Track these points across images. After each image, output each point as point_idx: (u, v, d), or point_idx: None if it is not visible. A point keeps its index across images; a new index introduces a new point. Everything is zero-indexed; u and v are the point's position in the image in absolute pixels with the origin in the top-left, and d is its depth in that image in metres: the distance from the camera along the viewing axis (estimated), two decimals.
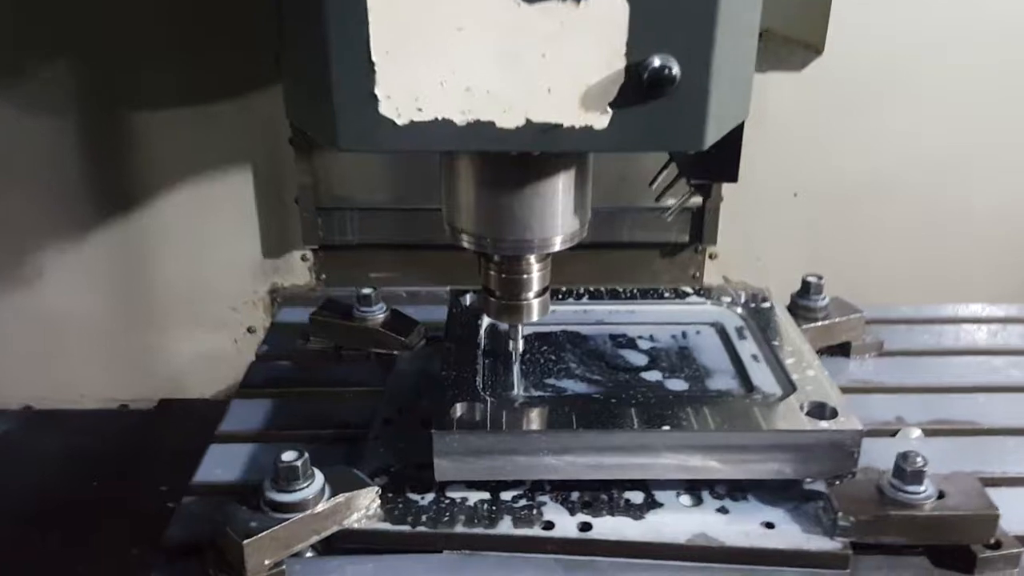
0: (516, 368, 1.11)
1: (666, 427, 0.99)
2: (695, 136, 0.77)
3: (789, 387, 1.07)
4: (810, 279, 1.34)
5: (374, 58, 0.73)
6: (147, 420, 1.73)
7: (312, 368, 1.32)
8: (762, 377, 1.12)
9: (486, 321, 1.25)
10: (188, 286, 1.84)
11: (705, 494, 1.01)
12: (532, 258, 1.00)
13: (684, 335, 1.25)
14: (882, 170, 1.76)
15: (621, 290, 1.33)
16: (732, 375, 1.14)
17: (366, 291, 1.31)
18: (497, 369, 1.13)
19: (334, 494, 0.97)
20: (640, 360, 1.18)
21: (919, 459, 0.94)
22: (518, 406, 1.05)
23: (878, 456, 1.02)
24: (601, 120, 0.76)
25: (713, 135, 0.79)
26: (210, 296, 1.84)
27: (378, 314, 1.31)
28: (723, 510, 0.99)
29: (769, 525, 0.96)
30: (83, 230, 1.79)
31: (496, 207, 0.93)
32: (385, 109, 0.75)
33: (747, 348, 1.19)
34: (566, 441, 0.98)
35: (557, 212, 0.94)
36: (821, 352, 1.28)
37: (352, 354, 1.35)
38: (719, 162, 0.83)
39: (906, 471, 0.94)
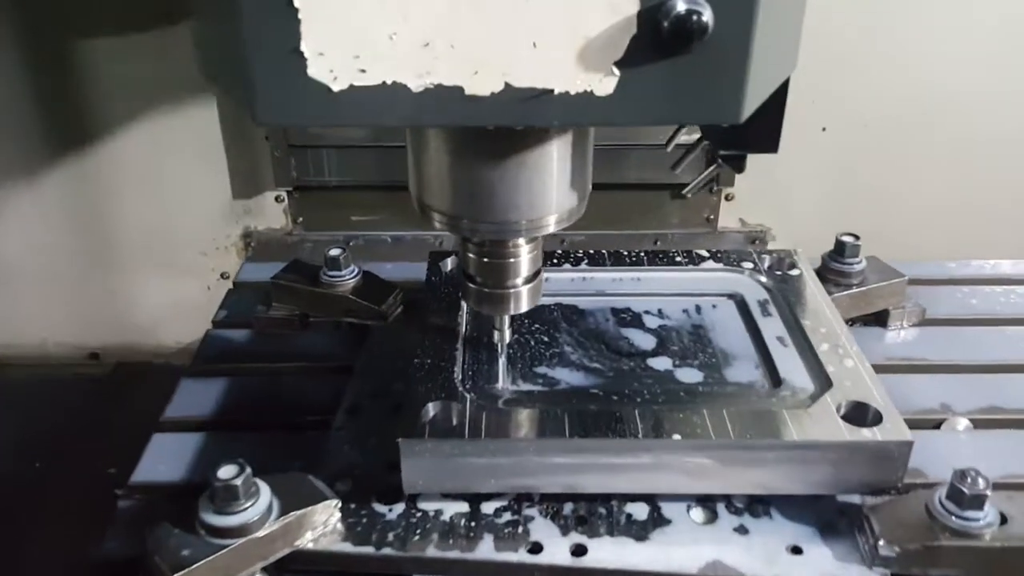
0: (502, 360, 0.95)
1: (676, 436, 0.83)
2: (730, 104, 0.59)
3: (823, 381, 0.91)
4: (845, 239, 1.16)
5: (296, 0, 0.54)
6: (103, 382, 1.58)
7: (274, 339, 1.17)
8: (791, 367, 0.95)
9: None
10: (151, 228, 1.69)
11: (721, 508, 0.87)
12: (520, 239, 0.83)
13: (698, 310, 1.08)
14: (924, 97, 1.55)
15: (626, 254, 1.16)
16: (755, 363, 0.98)
17: (334, 252, 1.14)
18: (480, 356, 0.97)
19: (284, 512, 0.83)
20: (647, 342, 1.02)
21: (980, 481, 0.79)
22: (503, 405, 0.90)
23: (919, 454, 0.86)
24: (605, 84, 0.58)
25: (754, 101, 0.60)
26: (177, 239, 1.69)
27: (348, 279, 1.15)
28: (742, 529, 0.84)
29: (796, 550, 0.82)
30: (35, 167, 1.63)
31: (474, 182, 0.76)
32: (316, 70, 0.56)
33: (772, 328, 1.02)
34: (558, 452, 0.83)
35: (550, 187, 0.77)
36: (854, 321, 1.15)
37: (321, 322, 1.18)
38: (755, 128, 0.65)
39: (964, 494, 0.79)
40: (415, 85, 0.58)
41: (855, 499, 0.85)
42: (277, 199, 1.66)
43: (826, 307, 1.04)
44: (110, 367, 1.66)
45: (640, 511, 0.86)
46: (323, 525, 0.85)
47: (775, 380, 0.94)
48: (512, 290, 0.87)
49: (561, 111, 0.59)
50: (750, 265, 1.14)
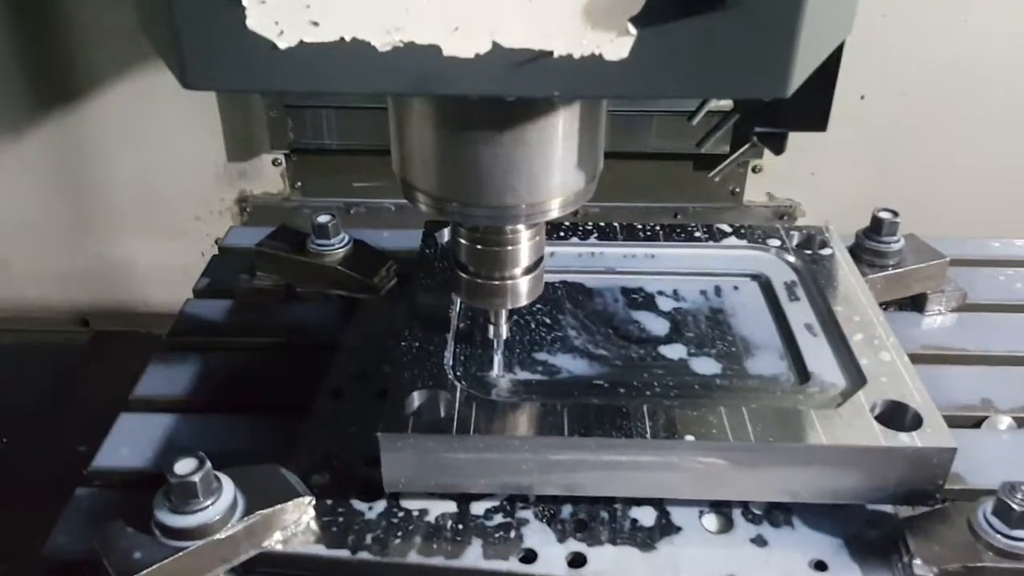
0: (497, 359, 0.87)
1: (689, 436, 0.74)
2: (775, 75, 0.48)
3: (856, 377, 0.81)
4: (883, 215, 1.06)
5: None
6: (84, 352, 1.50)
7: (256, 311, 1.08)
8: (820, 358, 0.86)
9: None
10: (142, 189, 1.61)
11: (737, 515, 0.78)
12: (520, 225, 0.74)
13: (718, 291, 0.98)
14: (968, 64, 1.43)
15: (640, 227, 1.06)
16: (780, 353, 0.88)
17: (323, 219, 1.05)
18: (475, 339, 0.88)
19: (250, 510, 0.74)
20: (660, 327, 0.92)
21: None
22: (496, 396, 0.81)
23: (957, 456, 0.77)
24: (617, 47, 0.47)
25: (803, 71, 0.50)
26: (169, 202, 1.61)
27: (337, 248, 1.06)
28: (760, 540, 0.75)
29: (820, 566, 0.74)
30: (16, 121, 1.55)
31: (464, 160, 0.66)
32: (257, 23, 0.46)
33: (800, 314, 0.93)
34: (556, 450, 0.74)
35: (554, 166, 0.67)
36: (887, 305, 1.07)
37: (309, 294, 1.09)
38: (800, 102, 0.53)
39: (1013, 511, 0.70)
40: (381, 43, 0.47)
41: (888, 509, 0.78)
42: (274, 162, 1.57)
43: (860, 292, 0.94)
44: (90, 335, 1.58)
45: (647, 517, 0.78)
46: (294, 524, 0.77)
47: (802, 374, 0.85)
48: (509, 281, 0.77)
49: (562, 79, 0.48)
50: (777, 243, 1.03)
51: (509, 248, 0.75)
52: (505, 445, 0.75)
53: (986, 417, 0.93)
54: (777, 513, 0.78)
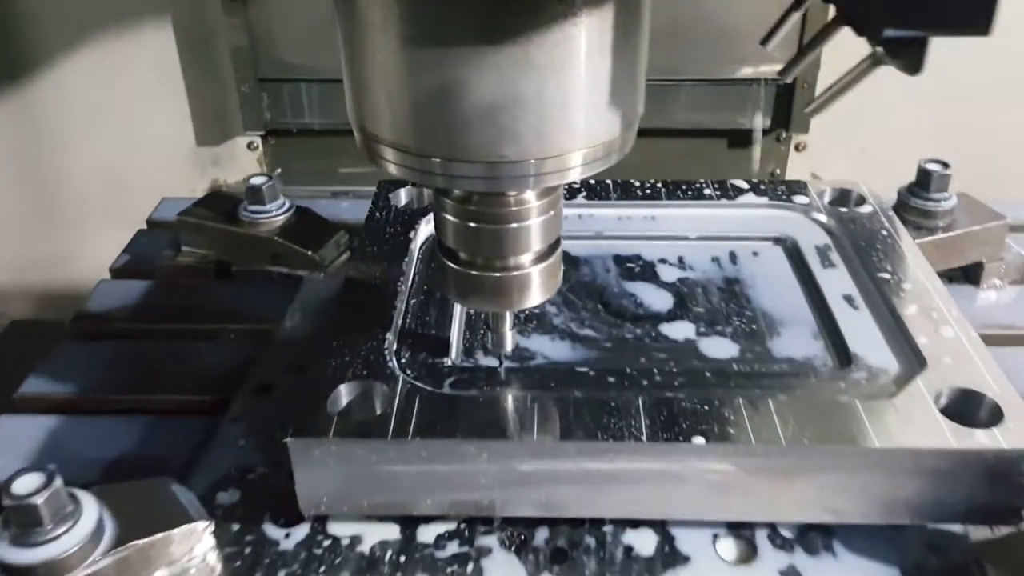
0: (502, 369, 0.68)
1: (699, 438, 0.56)
2: None
3: (913, 359, 0.63)
4: (931, 167, 0.88)
5: None
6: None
7: (180, 292, 0.90)
8: (864, 337, 0.68)
9: (423, 232, 0.81)
10: (104, 178, 1.44)
11: (762, 539, 0.61)
12: (528, 191, 0.55)
13: (733, 258, 0.80)
14: None
15: (637, 185, 0.87)
16: (813, 331, 0.70)
17: (257, 180, 0.87)
18: (428, 315, 0.70)
19: (122, 541, 0.57)
20: (661, 302, 0.75)
21: None
22: (449, 389, 0.62)
23: None
24: None
25: None
26: (133, 192, 1.46)
27: (275, 215, 0.88)
28: (791, 573, 0.58)
29: None
30: None
31: (445, 94, 0.48)
32: None
33: (837, 283, 0.75)
34: (524, 458, 0.57)
35: (575, 101, 0.49)
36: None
37: (245, 271, 0.92)
38: None
39: None
40: None
41: (957, 530, 0.62)
42: (250, 146, 1.41)
43: (912, 255, 0.76)
44: (8, 325, 1.41)
45: (645, 543, 0.61)
46: (186, 558, 0.59)
47: (843, 356, 0.67)
48: (515, 273, 0.59)
49: None
50: (804, 200, 0.85)
51: (513, 226, 0.56)
52: (457, 452, 0.58)
53: None
54: (814, 537, 0.61)
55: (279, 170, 1.43)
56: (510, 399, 0.61)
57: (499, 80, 0.47)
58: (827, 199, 0.86)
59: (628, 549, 0.60)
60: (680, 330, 0.72)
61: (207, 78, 1.38)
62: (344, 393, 0.62)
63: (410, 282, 0.75)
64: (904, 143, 1.36)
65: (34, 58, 1.37)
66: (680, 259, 0.81)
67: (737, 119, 1.32)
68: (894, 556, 0.60)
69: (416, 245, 0.80)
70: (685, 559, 0.60)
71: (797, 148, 1.37)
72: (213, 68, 1.36)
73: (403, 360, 0.66)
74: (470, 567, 0.59)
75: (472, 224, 0.57)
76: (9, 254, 1.56)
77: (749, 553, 0.60)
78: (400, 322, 0.70)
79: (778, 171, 1.38)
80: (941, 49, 1.29)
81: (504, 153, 0.50)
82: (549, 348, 0.70)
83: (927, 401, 0.60)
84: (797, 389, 0.64)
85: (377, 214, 0.83)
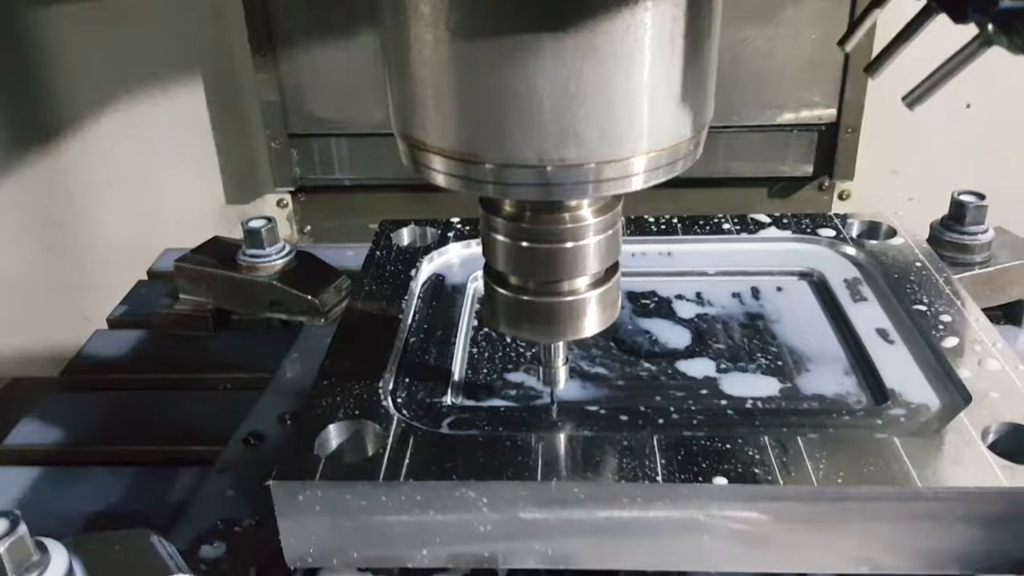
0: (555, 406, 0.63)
1: (720, 479, 0.50)
2: None
3: (956, 394, 0.58)
4: (965, 198, 0.83)
5: None
6: None
7: (175, 342, 0.86)
8: (901, 372, 0.63)
9: (425, 271, 0.77)
10: (131, 240, 1.42)
11: None
12: (584, 205, 0.51)
13: (756, 294, 0.75)
14: None
15: (652, 221, 0.83)
16: (844, 367, 0.65)
17: (255, 224, 0.84)
18: (428, 355, 0.65)
19: None
20: (678, 339, 0.69)
21: None
22: (448, 429, 0.57)
23: None
24: None
25: None
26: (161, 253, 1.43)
27: (275, 259, 0.84)
28: None
29: None
30: None
31: (498, 90, 0.44)
32: None
33: (869, 317, 0.70)
34: (528, 503, 0.51)
35: (642, 99, 0.45)
36: None
37: (244, 319, 0.88)
38: None
39: None
40: None
41: None
42: (280, 203, 1.38)
43: (946, 285, 0.70)
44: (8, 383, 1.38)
45: None
46: None
47: (879, 392, 0.61)
48: (570, 298, 0.54)
49: None
50: (831, 233, 0.80)
51: (569, 244, 0.51)
52: (453, 495, 0.52)
53: None
54: None
55: (308, 227, 1.41)
56: (511, 439, 0.56)
57: (560, 72, 0.43)
58: (855, 232, 0.81)
59: None
60: (699, 367, 0.66)
61: (237, 135, 1.37)
62: (334, 434, 0.57)
63: (410, 321, 0.71)
64: (951, 190, 1.32)
65: (62, 120, 1.36)
66: (698, 295, 0.76)
67: (778, 167, 1.28)
68: None
69: (417, 284, 0.75)
70: None
71: (841, 196, 1.31)
72: (243, 125, 1.35)
73: (399, 400, 0.61)
74: None
75: (524, 244, 0.52)
76: (35, 316, 1.53)
77: None
78: (398, 361, 0.65)
79: None
80: (993, 94, 1.24)
81: (564, 156, 0.45)
82: (559, 388, 0.64)
83: (974, 438, 0.54)
84: (829, 427, 0.58)
85: (378, 253, 0.79)
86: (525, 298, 0.54)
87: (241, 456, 0.69)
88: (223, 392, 0.81)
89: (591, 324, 0.55)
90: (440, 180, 0.49)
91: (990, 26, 0.54)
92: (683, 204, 1.18)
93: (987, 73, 1.20)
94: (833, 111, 1.23)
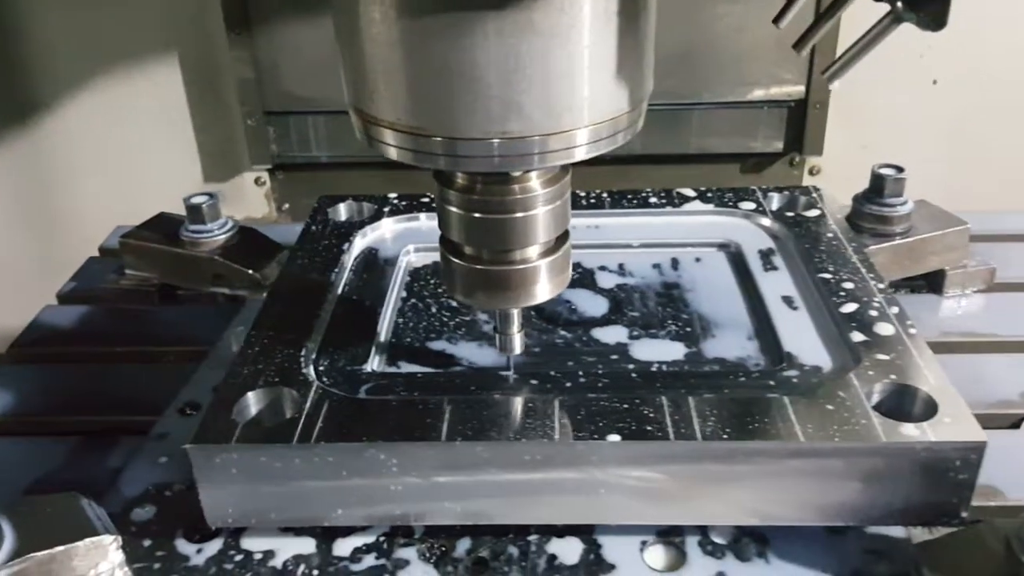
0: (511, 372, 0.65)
1: (614, 436, 0.53)
2: None
3: (848, 356, 0.61)
4: (884, 172, 0.86)
5: None
6: None
7: (120, 316, 0.89)
8: (800, 337, 0.66)
9: (359, 245, 0.79)
10: (110, 219, 1.42)
11: (692, 546, 0.58)
12: (533, 177, 0.54)
13: (675, 264, 0.78)
14: None
15: (583, 195, 0.86)
16: (748, 333, 0.68)
17: (197, 200, 0.86)
18: (353, 325, 0.68)
19: (19, 555, 0.54)
20: (596, 307, 0.72)
21: None
22: (364, 395, 0.60)
23: (991, 464, 0.57)
24: None
25: None
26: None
27: (217, 234, 0.87)
28: None
29: None
30: None
31: (447, 66, 0.46)
32: None
33: (777, 285, 0.73)
34: (434, 463, 0.54)
35: (580, 72, 0.47)
36: (898, 286, 0.89)
37: (191, 294, 0.90)
38: None
39: None
40: None
41: (898, 533, 0.59)
42: (257, 181, 1.39)
43: (854, 255, 0.74)
44: None
45: (570, 552, 0.59)
46: (92, 572, 0.57)
47: (776, 355, 0.64)
48: (522, 266, 0.56)
49: None
50: (751, 206, 0.83)
51: (519, 215, 0.54)
52: (364, 458, 0.55)
53: None
54: (747, 543, 0.59)
55: (287, 205, 1.42)
56: (421, 403, 0.59)
57: (500, 49, 0.45)
58: (775, 205, 0.84)
59: (552, 558, 0.58)
60: (612, 334, 0.69)
61: (214, 114, 1.36)
62: (253, 401, 0.60)
63: (339, 292, 0.73)
64: (920, 165, 1.33)
65: (41, 98, 1.35)
66: (620, 266, 0.78)
67: (748, 143, 1.30)
68: (831, 562, 0.57)
69: (349, 257, 0.78)
70: (610, 567, 0.57)
71: (811, 172, 1.34)
72: (220, 104, 1.35)
73: (321, 368, 0.64)
74: None
75: (476, 215, 0.55)
76: (12, 296, 1.54)
77: (678, 560, 0.58)
78: (323, 331, 0.68)
79: None
80: (959, 70, 1.27)
81: (508, 129, 0.47)
82: (475, 354, 0.67)
83: (860, 396, 0.58)
84: (725, 388, 0.61)
85: (313, 227, 0.82)
86: (479, 267, 0.57)
87: (176, 425, 0.71)
88: (166, 364, 0.83)
89: (543, 291, 0.58)
90: (392, 154, 0.51)
91: (899, 4, 0.57)
92: (656, 179, 1.20)
93: (952, 50, 1.23)
94: (802, 88, 1.25)
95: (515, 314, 0.61)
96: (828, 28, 0.64)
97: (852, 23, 0.64)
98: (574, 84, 0.47)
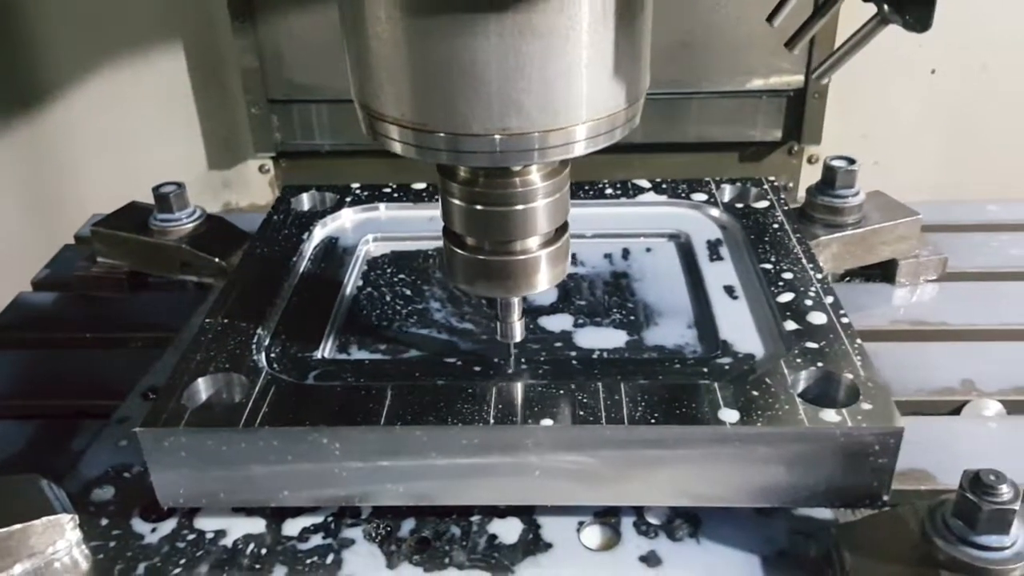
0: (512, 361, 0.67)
1: (547, 420, 0.55)
2: None
3: (780, 344, 0.63)
4: (835, 163, 0.88)
5: None
6: None
7: (91, 303, 0.91)
8: (737, 326, 0.68)
9: (319, 235, 0.81)
10: (114, 205, 1.44)
11: (627, 527, 0.61)
12: (533, 171, 0.56)
13: (626, 254, 0.80)
14: None
15: None
16: (689, 321, 0.70)
17: (165, 189, 0.88)
18: (307, 313, 0.70)
19: None
20: (545, 296, 0.74)
21: (1004, 489, 0.51)
22: (312, 381, 0.63)
23: (931, 449, 0.59)
24: None
25: None
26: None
27: (185, 223, 0.89)
28: (652, 559, 0.58)
29: None
30: None
31: (449, 64, 0.48)
32: None
33: (720, 275, 0.75)
34: (374, 447, 0.56)
35: (578, 72, 0.49)
36: (851, 275, 0.91)
37: (161, 281, 0.93)
38: None
39: (979, 509, 0.51)
40: None
41: (824, 514, 0.61)
42: (261, 169, 1.39)
43: (798, 245, 0.76)
44: None
45: (510, 532, 0.61)
46: (50, 549, 0.59)
47: (713, 343, 0.66)
48: (523, 256, 0.59)
49: None
50: (704, 197, 0.85)
51: (520, 207, 0.56)
52: (307, 441, 0.57)
53: (967, 402, 0.75)
54: (680, 524, 0.61)
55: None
56: (364, 389, 0.61)
57: (501, 48, 0.47)
58: (727, 197, 0.86)
59: (492, 537, 0.60)
60: (558, 322, 0.71)
61: (218, 102, 1.36)
62: (203, 386, 0.62)
63: (295, 281, 0.75)
64: (917, 155, 1.34)
65: (44, 86, 1.35)
66: (572, 256, 0.80)
67: (747, 131, 1.30)
68: (758, 543, 0.59)
69: (309, 246, 0.80)
70: (547, 546, 0.59)
71: (810, 161, 1.34)
72: (224, 92, 1.35)
73: (272, 355, 0.66)
74: (330, 558, 0.59)
75: (478, 207, 0.57)
76: (15, 281, 1.56)
77: (613, 540, 0.60)
78: (277, 318, 0.70)
79: (791, 184, 1.35)
80: (958, 60, 1.28)
81: (508, 126, 0.49)
82: (425, 342, 0.70)
83: (785, 383, 0.60)
84: (660, 375, 0.64)
85: (275, 217, 0.84)
86: (481, 257, 0.59)
87: (138, 409, 0.73)
88: (133, 350, 0.85)
89: (543, 280, 0.60)
90: (397, 148, 0.53)
91: (885, 6, 0.60)
92: (656, 168, 1.22)
93: (951, 39, 1.24)
94: (801, 77, 1.25)
95: (515, 303, 0.63)
96: (821, 26, 0.66)
97: (850, 17, 0.65)
98: (573, 82, 0.49)
